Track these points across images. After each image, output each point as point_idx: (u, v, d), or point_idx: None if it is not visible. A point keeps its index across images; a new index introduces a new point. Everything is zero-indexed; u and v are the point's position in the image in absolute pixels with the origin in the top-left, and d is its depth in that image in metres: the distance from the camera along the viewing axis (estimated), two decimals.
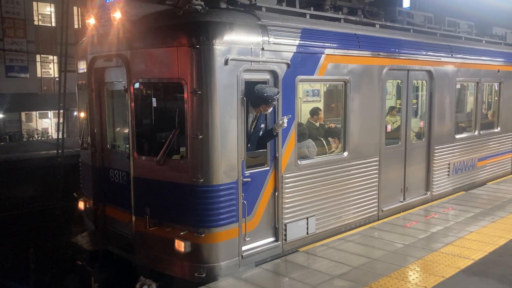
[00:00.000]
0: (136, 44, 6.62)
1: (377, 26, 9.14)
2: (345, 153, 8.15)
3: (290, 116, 6.95)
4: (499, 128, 12.79)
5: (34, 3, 32.83)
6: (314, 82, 8.72)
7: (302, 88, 9.00)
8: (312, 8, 7.95)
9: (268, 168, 6.93)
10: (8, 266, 12.66)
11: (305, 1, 8.24)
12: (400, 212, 9.43)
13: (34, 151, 20.76)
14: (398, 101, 10.03)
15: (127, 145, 7.06)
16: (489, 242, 7.73)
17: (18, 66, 32.13)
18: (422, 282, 6.19)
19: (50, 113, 34.27)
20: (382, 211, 9.01)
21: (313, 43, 7.41)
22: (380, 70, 8.67)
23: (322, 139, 8.47)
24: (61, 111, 14.61)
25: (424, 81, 10.04)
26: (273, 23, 6.91)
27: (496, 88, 12.96)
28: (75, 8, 30.73)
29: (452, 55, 10.54)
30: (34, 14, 32.98)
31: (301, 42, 7.20)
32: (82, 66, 8.04)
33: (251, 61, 6.51)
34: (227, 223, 6.34)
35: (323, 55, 7.56)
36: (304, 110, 8.89)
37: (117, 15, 6.63)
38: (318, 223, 7.66)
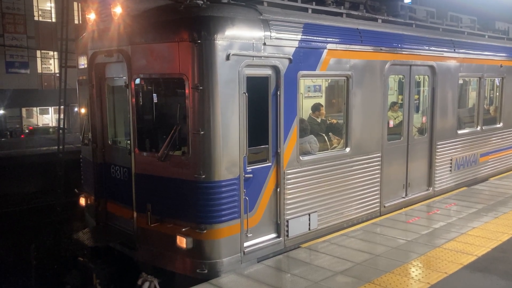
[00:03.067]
0: (137, 39, 6.57)
1: (379, 21, 9.09)
2: (347, 149, 8.11)
3: None
4: (501, 124, 12.74)
5: None
6: (316, 78, 8.67)
7: (304, 83, 8.94)
8: (314, 3, 7.89)
9: (270, 164, 6.89)
10: (10, 262, 12.66)
11: None
12: (402, 208, 9.41)
13: (35, 147, 20.73)
14: (400, 97, 9.99)
15: (128, 141, 7.03)
16: (492, 238, 7.70)
17: (18, 62, 32.07)
18: (425, 278, 6.16)
19: (51, 109, 34.25)
20: (384, 207, 8.98)
21: (315, 38, 7.36)
22: (382, 65, 8.62)
23: (324, 135, 8.44)
24: (62, 107, 14.58)
25: (426, 77, 9.99)
26: (275, 18, 6.86)
27: (499, 83, 12.90)
28: (75, 3, 30.60)
29: (454, 50, 10.48)
30: (34, 9, 32.90)
31: (303, 37, 7.15)
32: (83, 62, 8.00)
33: (253, 56, 6.46)
34: (229, 219, 6.32)
35: (325, 50, 7.51)
36: (305, 106, 8.85)
37: (117, 10, 6.59)
38: (320, 219, 7.63)
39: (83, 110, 8.33)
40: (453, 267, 6.51)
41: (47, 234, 13.96)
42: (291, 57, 6.96)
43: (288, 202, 7.09)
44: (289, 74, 6.97)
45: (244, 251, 6.53)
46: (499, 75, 12.56)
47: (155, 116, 7.06)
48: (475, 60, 11.26)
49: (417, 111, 10.26)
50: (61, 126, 14.30)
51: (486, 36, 12.37)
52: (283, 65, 6.85)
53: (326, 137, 8.43)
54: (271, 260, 6.84)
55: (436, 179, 10.31)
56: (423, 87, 10.21)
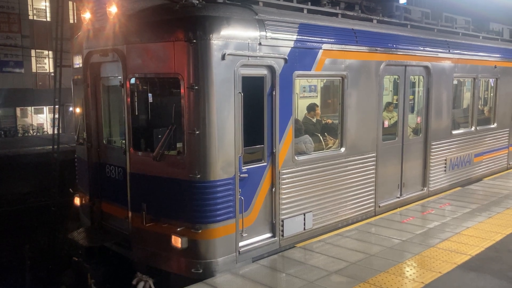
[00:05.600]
0: (132, 38, 6.56)
1: (375, 21, 9.11)
2: (342, 149, 8.14)
3: None
4: (495, 124, 12.81)
5: None
6: (312, 78, 8.69)
7: (299, 83, 8.96)
8: (309, 3, 7.91)
9: (265, 164, 6.90)
10: (4, 263, 12.60)
11: None
12: (397, 208, 9.44)
13: (30, 146, 20.63)
14: (395, 97, 10.02)
15: (123, 141, 7.02)
16: (485, 237, 7.75)
17: (13, 61, 31.89)
18: (419, 278, 6.19)
19: (46, 109, 34.09)
20: (379, 206, 9.01)
21: (310, 38, 7.37)
22: (377, 66, 8.65)
23: (319, 134, 8.46)
24: (57, 106, 14.52)
25: (421, 77, 10.03)
26: (271, 18, 6.86)
27: (493, 84, 12.97)
28: (70, 3, 30.48)
29: (449, 51, 10.53)
30: (29, 8, 32.72)
31: (298, 37, 7.16)
32: (78, 61, 7.98)
33: (248, 56, 6.47)
34: (224, 219, 6.32)
35: (321, 50, 7.53)
36: (301, 106, 8.86)
37: (113, 9, 6.57)
38: (315, 218, 7.65)
39: (78, 110, 8.31)
40: (447, 267, 6.54)
41: (41, 234, 13.88)
42: (286, 57, 6.97)
43: (283, 201, 7.10)
44: (285, 74, 6.98)
45: (239, 251, 6.54)
46: (493, 76, 12.62)
47: (150, 116, 7.06)
48: (470, 60, 11.32)
49: (412, 111, 10.30)
50: (56, 125, 14.24)
51: (481, 37, 12.43)
52: (278, 65, 6.86)
53: (321, 137, 8.45)
54: (266, 259, 6.85)
55: (431, 179, 10.35)
56: (418, 87, 10.25)
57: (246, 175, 6.59)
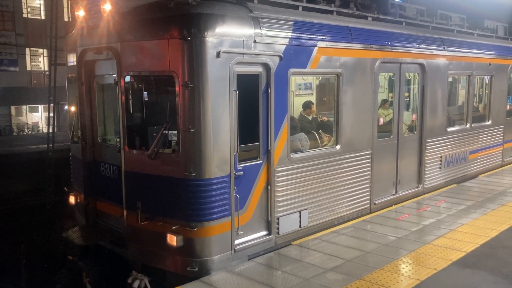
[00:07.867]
0: (126, 36, 6.53)
1: (370, 18, 9.12)
2: (338, 146, 8.14)
3: None
4: (490, 121, 12.85)
5: None
6: (307, 75, 8.69)
7: (294, 81, 8.96)
8: (304, 0, 7.90)
9: (260, 161, 6.89)
10: None
11: None
12: (392, 205, 9.46)
13: (25, 145, 20.55)
14: (390, 94, 10.03)
15: (118, 139, 6.99)
16: (480, 234, 7.78)
17: (7, 60, 31.73)
18: (414, 275, 6.21)
19: (40, 107, 33.96)
20: (375, 204, 9.02)
21: (305, 35, 7.36)
22: (372, 63, 8.65)
23: (315, 132, 8.45)
24: (52, 105, 14.46)
25: (416, 74, 10.04)
26: (266, 15, 6.85)
27: (487, 81, 13.01)
28: (64, 0, 30.36)
29: (444, 48, 10.54)
30: (23, 6, 32.56)
31: (293, 34, 7.15)
32: (72, 59, 7.94)
33: (243, 54, 6.46)
34: (220, 217, 6.31)
35: (316, 48, 7.52)
36: (296, 104, 8.86)
37: (107, 6, 6.55)
38: (311, 216, 7.65)
39: (72, 108, 8.27)
40: (443, 263, 6.56)
41: (36, 233, 13.84)
42: (281, 55, 6.95)
43: (279, 199, 7.10)
44: (280, 71, 6.97)
45: (235, 249, 6.53)
46: (488, 73, 12.66)
47: (145, 114, 7.04)
48: (465, 58, 11.35)
49: (407, 108, 10.33)
50: (51, 124, 14.19)
51: (475, 35, 12.47)
52: (273, 63, 6.85)
53: (316, 135, 8.45)
54: (262, 257, 6.84)
55: (426, 176, 10.38)
56: (413, 84, 10.27)
57: (242, 173, 6.58)
